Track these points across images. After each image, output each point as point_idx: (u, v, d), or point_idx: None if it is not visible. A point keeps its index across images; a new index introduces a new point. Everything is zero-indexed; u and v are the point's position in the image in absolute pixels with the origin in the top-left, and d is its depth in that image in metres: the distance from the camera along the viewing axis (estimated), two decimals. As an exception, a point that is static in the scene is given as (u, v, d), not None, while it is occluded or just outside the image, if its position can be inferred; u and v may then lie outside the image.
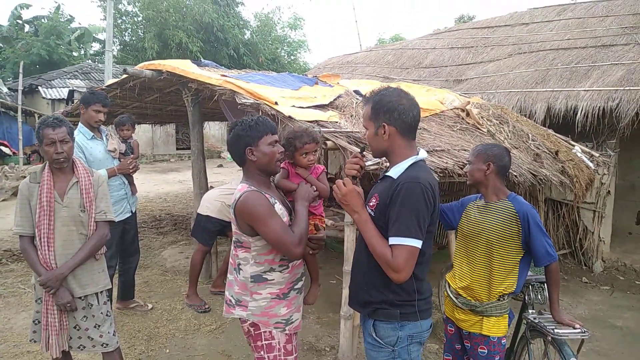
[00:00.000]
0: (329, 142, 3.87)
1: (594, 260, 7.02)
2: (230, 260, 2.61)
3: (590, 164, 5.82)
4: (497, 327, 2.87)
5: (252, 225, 2.41)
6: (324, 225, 2.87)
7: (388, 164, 2.35)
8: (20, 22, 26.05)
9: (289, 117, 4.05)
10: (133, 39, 24.23)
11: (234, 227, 2.53)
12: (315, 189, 2.78)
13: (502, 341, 2.91)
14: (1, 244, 7.35)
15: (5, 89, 19.75)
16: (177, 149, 21.82)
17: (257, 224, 2.38)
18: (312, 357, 4.24)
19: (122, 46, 24.92)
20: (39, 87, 19.09)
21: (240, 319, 2.57)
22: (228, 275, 2.65)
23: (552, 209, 7.21)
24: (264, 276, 2.49)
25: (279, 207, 2.47)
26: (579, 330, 2.88)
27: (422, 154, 2.30)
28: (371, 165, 3.60)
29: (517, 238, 2.80)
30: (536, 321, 3.09)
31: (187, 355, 4.20)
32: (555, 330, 2.90)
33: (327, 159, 8.73)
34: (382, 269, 2.14)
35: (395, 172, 2.22)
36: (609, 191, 6.96)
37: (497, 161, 2.90)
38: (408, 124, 2.25)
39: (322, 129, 3.92)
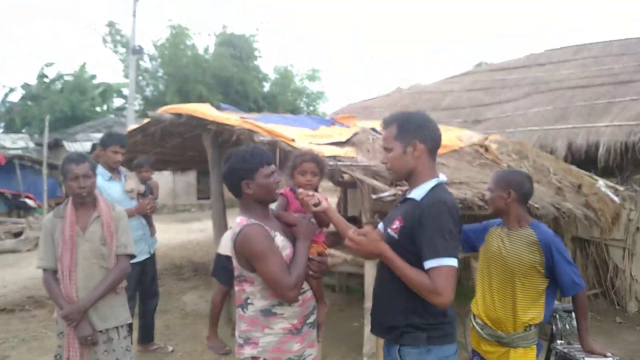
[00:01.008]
0: (345, 176, 3.87)
1: (627, 299, 6.75)
2: (236, 297, 2.51)
3: (615, 198, 5.72)
4: (524, 359, 2.76)
5: (250, 262, 2.33)
6: (326, 252, 2.77)
7: (405, 193, 2.32)
8: (47, 80, 27.17)
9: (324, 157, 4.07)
10: (154, 93, 24.96)
11: (234, 262, 2.43)
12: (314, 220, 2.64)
13: None
14: (25, 292, 7.39)
15: (31, 144, 20.36)
16: (198, 198, 21.98)
17: (255, 261, 2.30)
18: (335, 399, 4.10)
19: (144, 101, 25.68)
20: (64, 142, 19.64)
21: (252, 356, 2.44)
22: (236, 315, 2.53)
23: (579, 248, 7.02)
24: (272, 310, 2.38)
25: (280, 239, 2.39)
26: (611, 358, 2.79)
27: (442, 177, 2.28)
28: (388, 196, 3.59)
29: (539, 267, 2.73)
30: (565, 351, 2.98)
31: (208, 399, 4.09)
32: (586, 359, 2.80)
33: (347, 199, 8.69)
34: (424, 297, 2.06)
35: (417, 194, 2.19)
36: (637, 227, 6.75)
37: (518, 188, 2.84)
38: (437, 143, 2.26)
39: (339, 163, 3.94)
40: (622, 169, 6.67)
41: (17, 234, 12.30)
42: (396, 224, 2.22)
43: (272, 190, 2.45)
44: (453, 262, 2.03)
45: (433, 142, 2.23)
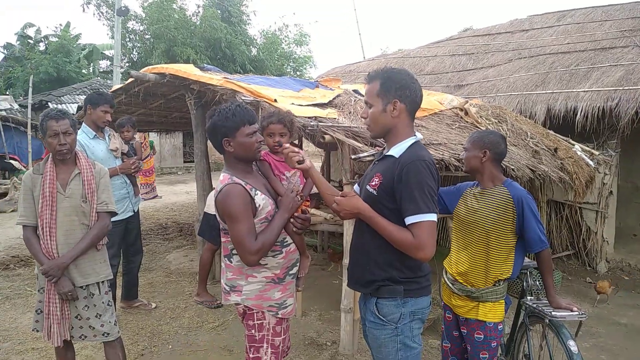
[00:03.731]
0: (327, 137, 3.93)
1: (598, 260, 7.00)
2: (222, 248, 2.63)
3: (590, 162, 5.86)
4: (493, 313, 2.88)
5: (224, 220, 2.45)
6: (309, 209, 2.86)
7: (383, 151, 2.38)
8: (30, 41, 26.61)
9: (292, 116, 4.11)
10: (141, 56, 24.54)
11: (217, 217, 2.53)
12: (300, 194, 2.73)
13: (499, 327, 2.91)
14: (10, 251, 7.46)
15: (16, 106, 20.06)
16: (185, 161, 21.98)
17: (227, 220, 2.41)
18: (313, 351, 4.26)
19: (130, 63, 25.24)
20: (49, 103, 19.37)
21: (235, 302, 2.59)
22: (222, 263, 2.67)
23: (554, 210, 7.21)
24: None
25: (260, 198, 2.46)
26: (577, 313, 2.88)
27: (419, 135, 2.33)
28: (367, 156, 3.66)
29: (511, 224, 2.82)
30: (534, 306, 3.10)
31: (190, 351, 4.23)
32: (553, 313, 2.91)
33: (330, 164, 8.78)
34: (407, 253, 2.14)
35: (396, 151, 2.24)
36: (611, 191, 6.95)
37: (493, 148, 2.91)
38: (416, 104, 2.29)
39: (320, 124, 3.99)
40: (599, 134, 6.80)
41: (1, 195, 12.27)
42: (375, 181, 2.27)
43: (252, 149, 2.51)
44: (433, 217, 2.10)
45: (413, 103, 2.26)
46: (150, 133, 12.57)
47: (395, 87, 2.22)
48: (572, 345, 2.81)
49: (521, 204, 2.79)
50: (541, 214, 6.40)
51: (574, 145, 6.15)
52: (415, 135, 2.30)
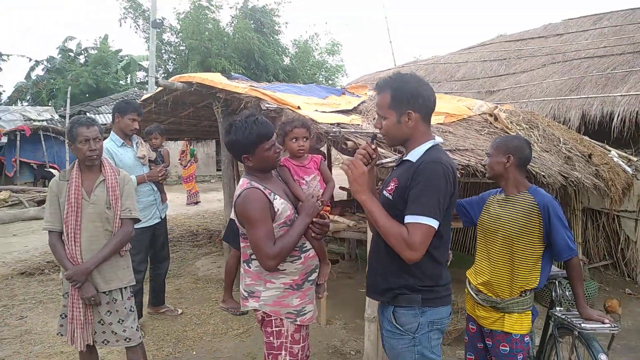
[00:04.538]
0: (349, 142, 3.89)
1: (638, 271, 6.70)
2: (242, 253, 2.62)
3: (628, 169, 5.63)
4: (519, 324, 2.78)
5: (242, 224, 2.45)
6: (329, 215, 2.84)
7: (403, 156, 2.33)
8: (71, 54, 27.55)
9: (310, 119, 4.10)
10: (177, 67, 25.05)
11: (236, 221, 2.53)
12: (321, 199, 2.72)
13: (525, 339, 2.81)
14: (46, 256, 7.68)
15: (57, 116, 20.78)
16: (217, 169, 22.21)
17: (246, 224, 2.40)
18: (336, 360, 4.21)
19: (166, 74, 25.78)
20: (87, 114, 19.93)
21: (254, 309, 2.58)
22: (241, 269, 2.66)
23: (590, 219, 6.96)
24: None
25: (279, 203, 2.46)
26: (608, 325, 2.75)
27: (438, 139, 2.28)
28: (389, 162, 3.60)
29: (537, 231, 2.72)
30: (563, 317, 2.98)
31: (213, 357, 4.24)
32: (582, 325, 2.78)
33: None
34: (395, 248, 2.08)
35: (414, 155, 2.19)
36: (651, 199, 6.68)
37: (517, 153, 2.83)
38: (430, 109, 2.24)
39: (343, 130, 3.96)
40: (637, 139, 6.55)
41: (40, 202, 12.67)
42: (391, 185, 2.23)
43: (272, 161, 2.53)
44: (434, 223, 2.04)
45: (427, 108, 2.21)
46: (186, 142, 12.88)
47: (407, 98, 2.16)
48: (604, 359, 2.67)
49: (547, 210, 2.69)
50: (576, 222, 6.18)
51: (610, 151, 5.94)
52: (433, 139, 2.24)
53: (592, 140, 6.10)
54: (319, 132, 3.93)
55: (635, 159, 6.01)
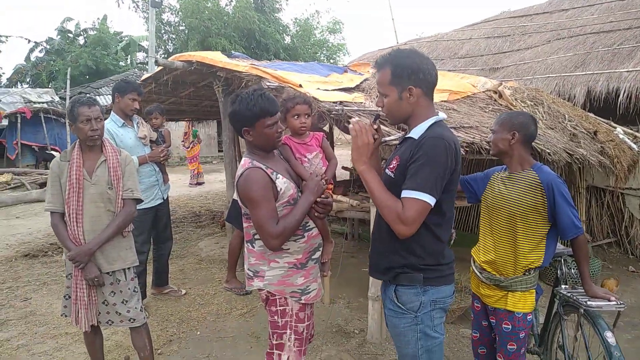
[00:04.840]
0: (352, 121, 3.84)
1: (642, 248, 6.70)
2: (245, 233, 2.60)
3: (634, 146, 5.57)
4: (522, 303, 2.75)
5: (245, 204, 2.42)
6: (332, 194, 2.81)
7: (406, 134, 2.28)
8: (70, 35, 27.30)
9: (312, 97, 4.05)
10: (176, 47, 24.84)
11: (239, 201, 2.50)
12: (325, 179, 2.71)
13: (528, 317, 2.78)
14: (49, 238, 7.69)
15: (57, 98, 20.66)
16: (219, 150, 22.17)
17: (248, 204, 2.38)
18: (340, 339, 4.21)
19: (166, 55, 25.56)
20: (87, 95, 19.84)
21: (258, 288, 2.58)
22: (245, 249, 2.64)
23: (594, 197, 6.93)
24: None
25: (282, 182, 2.44)
26: (614, 303, 2.72)
27: (442, 114, 2.22)
28: (393, 140, 3.56)
29: (542, 209, 2.67)
30: (568, 295, 2.95)
31: (217, 337, 4.24)
32: (588, 303, 2.75)
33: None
34: (389, 222, 2.05)
35: (416, 132, 2.15)
36: (656, 176, 6.63)
37: (523, 130, 2.76)
38: (432, 84, 2.18)
39: (345, 108, 3.90)
40: (643, 116, 6.48)
41: (42, 184, 12.66)
42: (393, 164, 2.20)
43: (272, 140, 2.48)
44: (431, 200, 2.00)
45: (429, 83, 2.16)
46: (187, 123, 12.84)
47: (408, 73, 2.11)
48: (610, 336, 2.65)
49: (551, 188, 2.64)
50: (580, 200, 6.14)
51: (615, 128, 5.86)
52: (436, 115, 2.19)
53: (598, 117, 6.02)
54: (321, 110, 3.87)
55: (640, 135, 5.94)
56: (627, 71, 6.60)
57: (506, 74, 8.36)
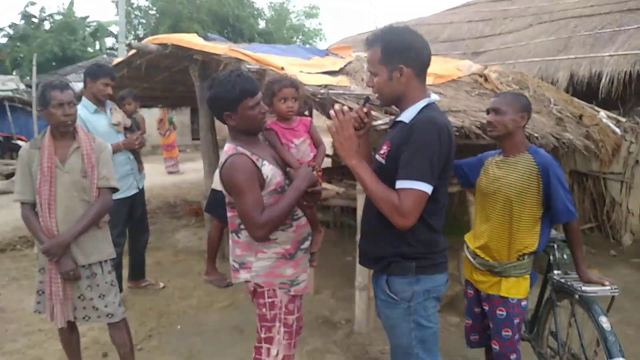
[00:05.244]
0: (337, 105, 3.69)
1: (623, 233, 6.73)
2: (229, 223, 2.47)
3: (617, 130, 5.56)
4: (516, 289, 2.70)
5: (229, 193, 2.29)
6: (321, 181, 2.68)
7: (395, 117, 2.18)
8: (35, 20, 26.36)
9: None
10: (147, 32, 24.26)
11: (223, 190, 2.37)
12: (312, 164, 2.61)
13: (522, 303, 2.73)
14: (17, 232, 7.34)
15: (22, 86, 19.94)
16: (193, 139, 21.79)
17: (233, 192, 2.25)
18: (327, 330, 4.11)
19: (136, 40, 24.93)
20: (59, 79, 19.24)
21: (245, 280, 2.45)
22: (230, 240, 2.51)
23: (577, 181, 6.94)
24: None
25: (268, 169, 2.30)
26: (609, 287, 2.70)
27: (434, 96, 2.12)
28: (381, 124, 3.43)
29: (537, 193, 2.61)
30: (562, 281, 2.90)
31: (199, 331, 4.09)
32: (583, 288, 2.71)
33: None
34: (386, 215, 1.96)
35: (407, 116, 2.05)
36: (637, 160, 6.63)
37: (529, 112, 2.74)
38: (425, 64, 2.08)
39: (331, 92, 3.76)
40: (625, 100, 6.50)
41: (8, 175, 12.21)
42: (384, 149, 2.10)
43: (256, 122, 2.34)
44: (427, 188, 1.91)
45: (421, 63, 2.06)
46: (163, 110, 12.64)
47: (399, 51, 2.01)
48: (605, 322, 2.63)
49: (547, 172, 2.58)
50: (564, 185, 6.14)
51: (599, 112, 5.85)
52: (428, 97, 2.09)
53: (582, 101, 6.00)
54: (304, 94, 3.71)
55: (623, 119, 5.94)
56: (610, 55, 6.61)
57: (488, 58, 8.33)
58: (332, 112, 2.08)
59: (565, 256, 3.12)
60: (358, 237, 3.76)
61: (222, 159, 2.32)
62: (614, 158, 5.78)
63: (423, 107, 2.03)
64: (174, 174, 13.80)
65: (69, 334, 3.16)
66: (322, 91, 3.76)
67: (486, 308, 2.82)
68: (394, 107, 3.12)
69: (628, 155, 6.51)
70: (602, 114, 5.80)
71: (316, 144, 2.90)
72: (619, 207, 6.71)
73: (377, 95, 2.17)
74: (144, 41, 5.24)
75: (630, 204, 6.73)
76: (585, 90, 6.67)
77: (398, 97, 2.10)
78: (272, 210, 2.24)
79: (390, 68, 2.02)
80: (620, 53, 6.51)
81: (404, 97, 2.08)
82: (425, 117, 1.98)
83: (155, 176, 13.02)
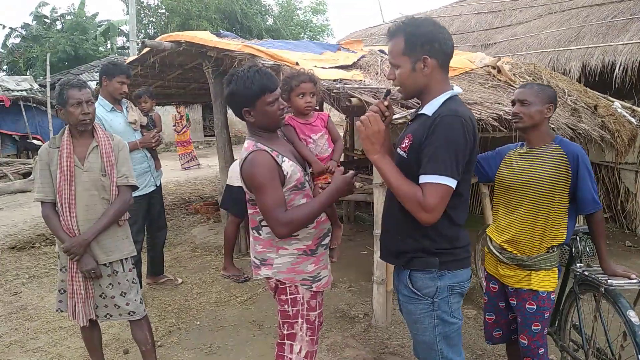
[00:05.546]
0: (354, 100, 3.70)
1: (638, 223, 6.68)
2: (250, 220, 2.45)
3: (632, 120, 5.51)
4: (547, 281, 2.65)
5: (251, 191, 2.27)
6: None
7: (418, 110, 2.14)
8: (47, 20, 26.55)
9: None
10: (157, 31, 24.31)
11: (244, 187, 2.35)
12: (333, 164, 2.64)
13: (552, 296, 2.69)
14: (36, 230, 7.46)
15: (36, 86, 20.08)
16: (205, 135, 21.91)
17: (254, 189, 2.23)
18: (345, 324, 4.12)
19: (147, 38, 24.95)
20: (77, 77, 19.35)
21: (267, 277, 2.44)
22: (250, 237, 2.51)
23: (591, 172, 6.88)
24: None
25: (288, 165, 2.27)
26: (636, 280, 2.63)
27: (457, 89, 2.08)
28: (398, 119, 3.42)
29: (566, 183, 2.56)
30: (586, 273, 2.85)
31: (218, 326, 4.12)
32: (609, 281, 2.65)
33: (353, 131, 8.52)
34: (410, 210, 1.93)
35: (429, 109, 2.00)
36: (651, 150, 6.60)
37: (555, 103, 2.70)
38: (448, 55, 2.03)
39: (346, 86, 3.76)
40: (639, 89, 6.41)
41: (25, 174, 12.35)
42: (405, 142, 2.05)
43: (275, 117, 2.32)
44: (452, 183, 1.88)
45: (445, 54, 2.01)
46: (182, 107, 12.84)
47: (422, 42, 1.95)
48: (633, 316, 2.57)
49: (576, 161, 2.54)
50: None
51: (613, 102, 5.79)
52: (451, 89, 2.04)
53: (595, 92, 5.95)
54: (320, 89, 3.72)
55: (639, 109, 5.87)
56: (623, 44, 6.53)
57: (499, 50, 8.26)
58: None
59: (588, 248, 3.08)
60: (375, 231, 3.81)
61: (242, 155, 2.30)
62: (630, 148, 5.71)
63: (446, 100, 1.99)
64: (191, 168, 14.08)
65: (91, 332, 3.18)
66: (337, 85, 3.76)
67: (513, 302, 2.76)
68: (411, 101, 3.14)
69: (642, 145, 6.46)
70: (617, 103, 5.74)
71: (334, 139, 2.90)
72: (634, 197, 6.65)
73: (398, 88, 2.13)
74: (158, 39, 5.26)
75: (645, 193, 6.68)
76: (598, 80, 6.60)
77: (421, 90, 2.05)
78: (299, 210, 2.23)
79: (414, 59, 1.98)
80: (635, 41, 6.43)
81: (426, 90, 2.04)
82: (448, 110, 1.93)
83: (170, 172, 13.16)
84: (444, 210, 1.92)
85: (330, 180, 2.53)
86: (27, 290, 5.02)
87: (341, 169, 2.45)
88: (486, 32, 9.26)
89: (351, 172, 2.35)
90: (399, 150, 2.11)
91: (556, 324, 3.23)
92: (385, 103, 2.15)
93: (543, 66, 6.94)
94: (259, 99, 2.24)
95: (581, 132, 4.58)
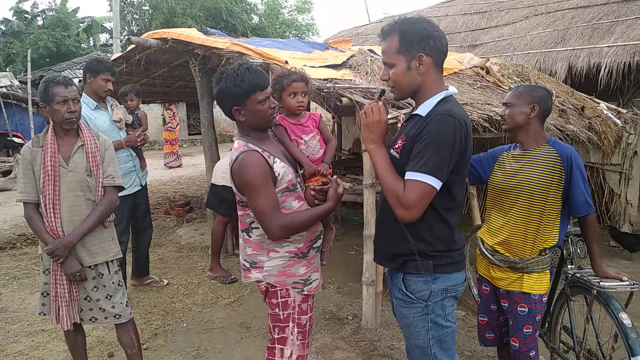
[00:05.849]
0: (344, 99, 3.67)
1: (622, 223, 6.74)
2: (240, 222, 2.41)
3: (618, 121, 5.56)
4: (538, 284, 2.64)
5: (243, 192, 2.21)
6: (330, 178, 2.65)
7: (412, 111, 2.11)
8: (28, 16, 26.10)
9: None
10: (141, 28, 24.03)
11: (234, 187, 2.30)
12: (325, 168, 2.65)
13: (544, 299, 2.68)
14: (16, 229, 7.30)
15: (16, 82, 19.72)
16: (189, 134, 21.73)
17: (246, 191, 2.17)
18: (335, 326, 4.08)
19: (130, 36, 24.63)
20: (62, 75, 19.00)
21: (257, 280, 2.39)
22: (239, 239, 2.46)
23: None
24: None
25: (280, 166, 2.22)
26: (628, 283, 2.63)
27: (452, 89, 2.05)
28: (390, 119, 3.39)
29: (559, 186, 2.55)
30: (578, 276, 2.85)
31: (205, 329, 4.06)
32: (601, 283, 2.65)
33: (341, 130, 8.51)
34: (391, 205, 1.91)
35: (423, 109, 1.97)
36: (635, 152, 6.64)
37: (542, 104, 2.64)
38: (443, 54, 2.00)
39: (337, 86, 3.72)
40: (623, 91, 6.48)
41: (5, 173, 12.10)
42: (398, 143, 2.03)
43: (266, 117, 2.26)
44: (435, 183, 1.85)
45: (440, 53, 1.98)
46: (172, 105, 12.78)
47: (418, 39, 1.93)
48: (625, 318, 2.57)
49: (570, 164, 2.52)
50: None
51: (599, 103, 5.84)
52: (446, 89, 2.02)
53: (582, 93, 5.99)
54: (312, 88, 3.68)
55: (624, 111, 5.93)
56: (608, 46, 6.59)
57: (486, 51, 8.30)
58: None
59: (579, 250, 3.09)
60: (365, 231, 3.77)
61: (232, 156, 2.24)
62: (616, 149, 5.77)
63: (440, 100, 1.97)
64: (175, 167, 13.97)
65: (75, 336, 3.10)
66: (328, 85, 3.72)
67: (505, 305, 2.74)
68: (403, 102, 3.12)
69: (626, 147, 6.51)
70: (603, 105, 5.79)
71: (326, 140, 2.85)
72: (618, 198, 6.72)
73: (392, 88, 2.08)
74: (144, 36, 5.18)
75: (629, 194, 6.73)
76: (584, 81, 6.65)
77: (415, 89, 2.02)
78: (296, 216, 2.21)
79: (409, 57, 1.95)
80: (619, 44, 6.50)
81: (421, 90, 2.01)
82: (442, 110, 1.91)
83: (154, 171, 13.00)
84: (423, 209, 1.89)
85: (322, 182, 2.50)
86: (7, 292, 4.90)
87: (337, 181, 2.42)
88: (473, 32, 9.31)
89: (342, 185, 2.40)
90: (392, 151, 2.08)
91: (546, 326, 3.23)
92: (380, 103, 2.12)
93: (530, 67, 6.99)
94: (250, 98, 2.19)
95: (569, 133, 4.61)
